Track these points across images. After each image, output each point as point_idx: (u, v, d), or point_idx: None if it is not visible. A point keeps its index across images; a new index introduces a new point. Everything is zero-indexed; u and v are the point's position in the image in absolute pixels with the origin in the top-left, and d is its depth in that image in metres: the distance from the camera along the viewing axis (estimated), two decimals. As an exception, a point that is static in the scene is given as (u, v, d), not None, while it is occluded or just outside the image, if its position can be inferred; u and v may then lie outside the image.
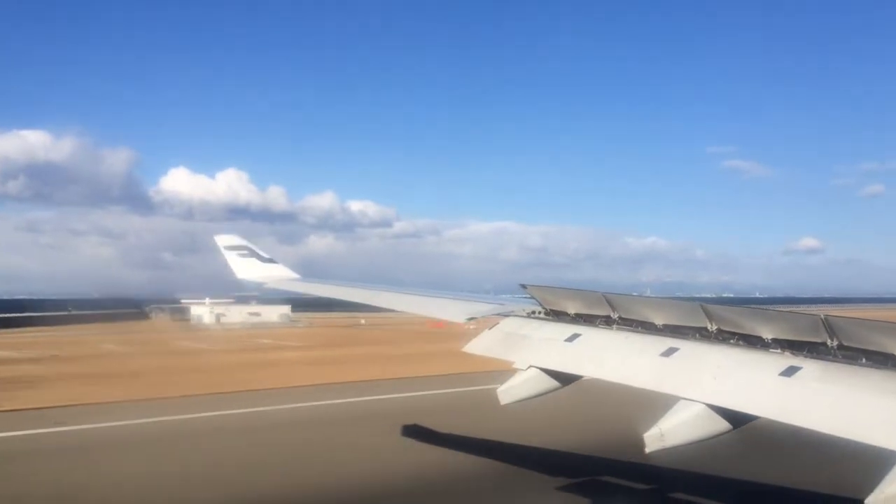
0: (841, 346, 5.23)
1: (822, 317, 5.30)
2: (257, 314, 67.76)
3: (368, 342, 45.67)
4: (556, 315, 7.55)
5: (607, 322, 6.97)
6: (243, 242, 12.84)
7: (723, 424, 5.48)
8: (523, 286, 7.84)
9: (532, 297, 7.83)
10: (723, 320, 6.03)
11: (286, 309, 70.62)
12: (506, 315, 8.02)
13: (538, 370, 6.89)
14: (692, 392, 5.57)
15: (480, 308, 8.64)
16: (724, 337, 6.01)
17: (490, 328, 7.92)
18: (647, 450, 5.53)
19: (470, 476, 12.75)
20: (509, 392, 7.01)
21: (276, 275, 12.50)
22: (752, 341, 5.80)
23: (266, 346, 42.08)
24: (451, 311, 9.01)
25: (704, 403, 5.45)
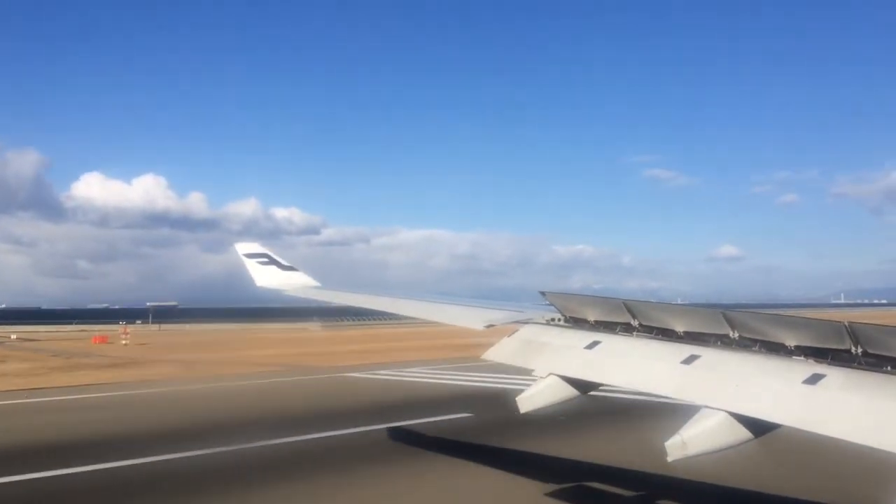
0: (865, 354, 5.15)
1: (846, 324, 5.22)
2: None
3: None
4: (576, 322, 7.51)
5: (627, 329, 6.93)
6: (263, 250, 12.95)
7: (745, 433, 5.41)
8: (542, 293, 7.83)
9: (551, 305, 7.81)
10: (745, 327, 5.96)
11: None
12: (524, 322, 8.00)
13: (558, 378, 6.86)
14: (714, 400, 5.50)
15: (498, 315, 8.62)
16: (746, 344, 5.94)
17: (509, 336, 7.89)
18: (670, 458, 5.47)
19: None
20: (529, 400, 6.98)
21: (296, 282, 12.57)
22: (775, 349, 5.73)
23: None
24: (469, 318, 9.00)
25: (727, 411, 5.39)
